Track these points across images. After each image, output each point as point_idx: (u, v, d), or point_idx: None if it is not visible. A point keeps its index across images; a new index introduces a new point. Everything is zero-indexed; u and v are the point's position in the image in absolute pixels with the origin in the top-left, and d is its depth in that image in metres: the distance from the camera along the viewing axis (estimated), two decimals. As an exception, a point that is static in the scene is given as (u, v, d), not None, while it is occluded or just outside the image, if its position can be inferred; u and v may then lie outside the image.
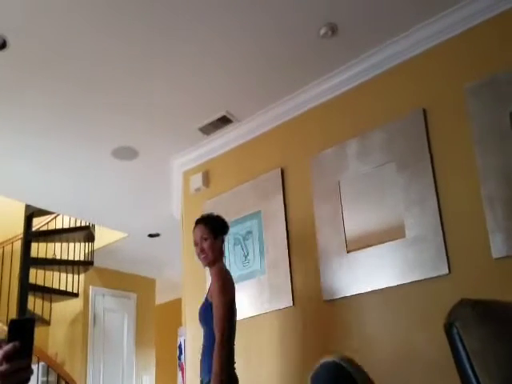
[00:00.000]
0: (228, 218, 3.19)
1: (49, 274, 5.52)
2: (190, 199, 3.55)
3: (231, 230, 3.16)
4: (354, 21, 2.46)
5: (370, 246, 2.50)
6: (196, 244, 2.46)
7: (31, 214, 5.22)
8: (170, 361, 6.38)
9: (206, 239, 2.43)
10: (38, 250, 5.43)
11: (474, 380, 1.14)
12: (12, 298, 5.03)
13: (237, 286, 3.01)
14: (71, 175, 3.75)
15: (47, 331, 5.63)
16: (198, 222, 2.52)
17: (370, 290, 2.45)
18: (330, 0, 2.32)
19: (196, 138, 3.40)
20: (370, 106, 2.71)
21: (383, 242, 2.46)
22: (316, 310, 2.66)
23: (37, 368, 4.72)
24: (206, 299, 2.42)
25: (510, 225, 2.09)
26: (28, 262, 5.11)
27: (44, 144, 3.34)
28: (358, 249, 2.54)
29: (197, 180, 3.49)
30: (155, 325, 6.31)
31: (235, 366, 2.33)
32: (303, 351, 2.67)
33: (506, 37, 2.30)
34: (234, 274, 3.07)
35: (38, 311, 5.30)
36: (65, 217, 5.38)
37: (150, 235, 5.03)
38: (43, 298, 5.41)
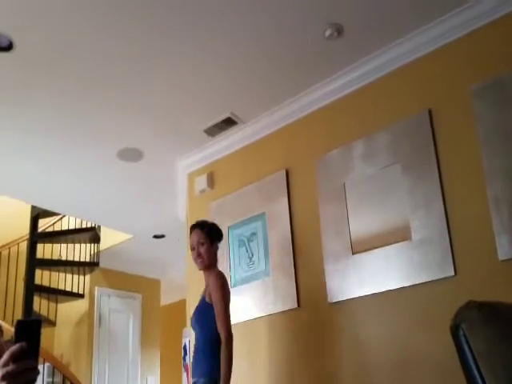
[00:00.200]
0: (233, 220, 3.21)
1: (54, 274, 5.55)
2: (195, 201, 3.56)
3: (236, 232, 3.18)
4: (359, 22, 2.46)
5: (376, 247, 2.49)
6: (193, 248, 2.52)
7: (37, 215, 5.25)
8: (174, 361, 6.40)
9: (202, 244, 2.49)
10: (44, 251, 5.46)
11: (480, 381, 1.14)
12: (18, 299, 5.06)
13: (241, 288, 3.04)
14: (77, 176, 3.77)
15: (53, 332, 5.65)
16: (194, 226, 2.58)
17: (375, 292, 2.45)
18: (335, 1, 2.32)
19: (201, 140, 3.41)
20: (375, 108, 2.71)
21: (389, 244, 2.45)
22: (321, 312, 2.65)
23: (42, 369, 4.74)
24: (203, 300, 2.45)
25: (516, 227, 2.08)
26: (34, 262, 5.14)
27: (50, 145, 3.36)
28: (364, 251, 2.54)
29: (202, 181, 3.49)
30: (160, 326, 6.32)
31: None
32: (308, 353, 2.66)
33: (510, 39, 2.29)
34: (239, 276, 3.09)
35: (43, 312, 5.33)
36: (70, 218, 5.41)
37: (155, 236, 5.05)
38: (49, 299, 5.43)
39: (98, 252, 5.55)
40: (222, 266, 3.14)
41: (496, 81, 2.27)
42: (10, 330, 3.58)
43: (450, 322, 1.25)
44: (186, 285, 3.55)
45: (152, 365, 6.10)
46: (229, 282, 3.05)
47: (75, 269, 5.53)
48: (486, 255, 2.15)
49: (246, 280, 3.04)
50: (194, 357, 2.42)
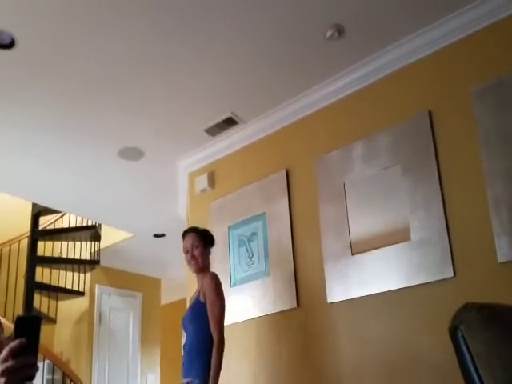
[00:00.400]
0: (233, 220, 3.21)
1: (55, 272, 5.55)
2: (196, 200, 3.57)
3: (236, 231, 3.19)
4: (360, 23, 2.46)
5: (375, 248, 2.50)
6: (187, 251, 2.57)
7: (38, 212, 5.26)
8: (174, 360, 6.40)
9: (197, 247, 2.56)
10: (45, 248, 5.46)
11: (478, 383, 1.14)
12: (18, 296, 5.07)
13: (241, 287, 3.04)
14: (78, 174, 3.78)
15: (53, 329, 5.66)
16: (188, 231, 2.67)
17: (374, 292, 2.45)
18: (336, 2, 2.32)
19: (202, 140, 3.41)
20: (375, 109, 2.71)
21: (388, 245, 2.45)
22: (320, 312, 2.66)
23: (42, 366, 4.75)
24: (198, 301, 2.47)
25: (516, 229, 2.08)
26: (34, 260, 5.14)
27: (51, 143, 3.37)
28: (363, 251, 2.54)
29: (202, 181, 3.50)
30: (160, 324, 6.33)
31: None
32: (307, 353, 2.67)
33: (510, 41, 2.30)
34: (239, 276, 3.09)
35: (44, 309, 5.34)
36: (71, 216, 5.42)
37: (156, 235, 5.06)
38: (49, 297, 5.44)
39: (99, 250, 5.55)
40: (222, 265, 3.16)
41: (496, 83, 2.27)
42: (10, 327, 3.59)
43: (448, 323, 1.25)
44: (186, 284, 3.56)
45: (152, 363, 6.11)
46: (229, 282, 3.08)
47: (76, 267, 5.53)
48: (486, 257, 2.15)
49: (245, 280, 3.04)
50: (187, 356, 2.43)
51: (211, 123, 3.23)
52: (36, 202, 4.58)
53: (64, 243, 5.66)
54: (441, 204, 2.33)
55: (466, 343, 1.19)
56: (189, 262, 2.57)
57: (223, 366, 2.62)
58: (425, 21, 2.48)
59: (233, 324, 2.95)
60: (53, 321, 5.52)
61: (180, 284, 5.48)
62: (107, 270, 5.82)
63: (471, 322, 1.19)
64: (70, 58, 2.61)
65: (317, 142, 2.93)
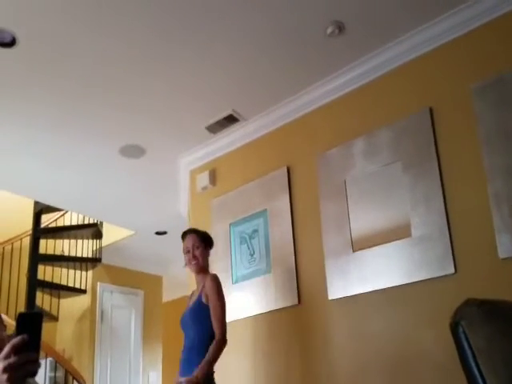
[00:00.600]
0: (234, 217, 3.22)
1: (57, 270, 5.56)
2: (197, 197, 3.57)
3: (238, 229, 3.19)
4: (360, 19, 2.46)
5: (376, 245, 2.50)
6: (187, 251, 2.59)
7: (40, 210, 5.27)
8: (176, 358, 6.41)
9: (198, 247, 2.59)
10: (47, 246, 5.47)
11: (479, 379, 1.15)
12: (20, 294, 5.08)
13: (242, 284, 3.05)
14: (79, 172, 3.78)
15: (55, 327, 5.68)
16: (188, 232, 2.69)
17: (375, 289, 2.45)
18: (337, -1, 2.32)
19: (203, 137, 3.41)
20: (376, 106, 2.71)
21: (389, 242, 2.45)
22: (321, 309, 2.66)
23: (44, 363, 4.76)
24: (199, 301, 2.48)
25: (516, 225, 2.08)
26: (36, 258, 5.16)
27: (52, 141, 3.37)
28: (364, 248, 2.54)
29: (203, 178, 3.50)
30: (162, 322, 6.34)
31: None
32: (308, 349, 2.67)
33: (511, 37, 2.29)
34: (240, 273, 3.10)
35: (46, 307, 5.35)
36: (73, 214, 5.42)
37: (158, 233, 5.07)
38: (51, 294, 5.46)
39: (101, 248, 5.56)
40: (223, 262, 3.16)
41: (497, 79, 2.27)
42: (12, 324, 3.61)
43: (449, 319, 1.25)
44: (187, 282, 3.57)
45: (154, 360, 6.12)
46: (230, 279, 3.09)
47: (78, 264, 5.54)
48: (487, 253, 2.15)
49: (247, 277, 3.05)
50: (186, 355, 2.45)
51: (212, 120, 3.23)
52: (38, 200, 4.59)
53: (66, 241, 5.67)
54: (442, 200, 2.33)
55: (467, 339, 1.19)
56: (189, 262, 2.58)
57: (224, 363, 2.64)
58: (425, 17, 2.47)
59: (234, 321, 2.96)
60: (55, 318, 5.53)
61: (181, 282, 5.48)
62: (109, 267, 5.83)
63: (472, 318, 1.19)
64: (71, 57, 2.61)
65: (318, 139, 2.93)
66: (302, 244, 2.85)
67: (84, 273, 5.61)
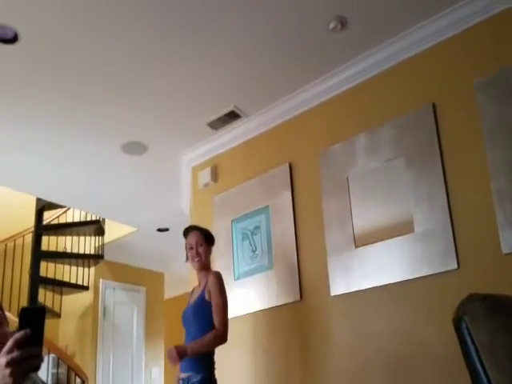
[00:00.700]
0: (236, 213, 3.22)
1: (59, 267, 5.57)
2: (199, 194, 3.57)
3: (239, 225, 3.19)
4: (363, 15, 2.45)
5: (379, 241, 2.49)
6: (191, 248, 2.59)
7: (42, 207, 5.28)
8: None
9: (201, 244, 2.59)
10: (49, 243, 5.48)
11: (482, 374, 1.14)
12: (23, 291, 5.09)
13: (244, 281, 3.05)
14: (81, 169, 3.79)
15: (57, 324, 5.69)
16: (192, 228, 2.69)
17: (378, 285, 2.45)
18: (339, -6, 2.31)
19: (205, 133, 3.41)
20: (379, 102, 2.70)
21: (392, 238, 2.45)
22: (323, 305, 2.66)
23: (47, 360, 4.78)
24: (202, 298, 2.48)
25: (519, 220, 2.08)
26: (39, 255, 5.16)
27: (54, 138, 3.37)
28: (367, 244, 2.54)
29: (205, 175, 3.50)
30: (164, 318, 6.35)
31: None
32: (310, 345, 2.67)
33: (515, 32, 2.28)
34: (242, 269, 3.10)
35: (48, 304, 5.36)
36: (75, 211, 5.43)
37: (159, 230, 5.07)
38: (54, 291, 5.47)
39: (103, 245, 5.57)
40: (225, 259, 3.16)
41: (499, 74, 2.26)
42: (15, 321, 3.61)
43: (452, 315, 1.25)
44: (189, 279, 3.57)
45: (156, 357, 6.14)
46: (232, 275, 3.09)
47: (80, 261, 5.55)
48: (490, 249, 2.15)
49: (249, 273, 3.05)
50: None
51: (214, 117, 3.23)
52: (40, 196, 4.60)
53: (68, 238, 5.68)
54: (444, 196, 2.32)
55: (469, 334, 1.18)
56: (192, 259, 2.58)
57: (225, 359, 2.66)
58: (427, 13, 2.46)
59: (236, 317, 2.96)
60: (57, 315, 5.55)
61: (183, 278, 5.48)
62: (111, 264, 5.84)
63: (475, 313, 1.19)
64: (72, 55, 2.61)
65: (320, 135, 2.93)
66: (304, 240, 2.84)
67: (86, 269, 5.62)
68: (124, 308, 5.93)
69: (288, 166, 3.02)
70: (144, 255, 5.86)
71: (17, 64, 2.66)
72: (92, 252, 5.60)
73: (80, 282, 5.54)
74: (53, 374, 4.95)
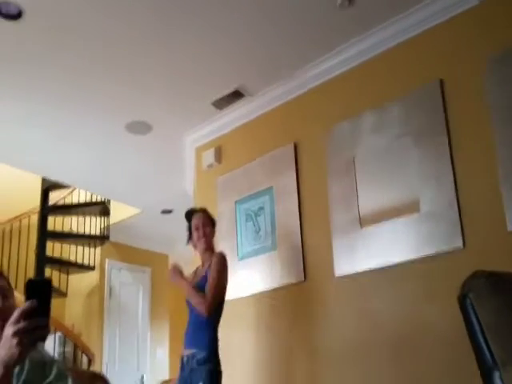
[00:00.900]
0: (240, 194, 3.20)
1: (65, 247, 5.61)
2: (203, 175, 3.56)
3: (243, 206, 3.18)
4: (371, -10, 2.40)
5: (384, 220, 2.47)
6: (196, 228, 2.60)
7: (48, 187, 5.29)
8: (183, 335, 6.50)
9: (207, 225, 2.62)
10: (55, 223, 5.51)
11: (487, 351, 1.14)
12: (29, 271, 5.13)
13: (248, 261, 3.05)
14: (86, 149, 3.78)
15: (64, 303, 5.75)
16: (196, 210, 2.71)
17: (383, 265, 2.44)
18: (347, -32, 2.26)
19: (209, 113, 3.38)
20: (386, 79, 2.66)
21: (398, 217, 2.43)
22: (328, 285, 2.66)
23: (54, 338, 4.85)
24: (207, 279, 2.48)
25: (527, 200, 2.05)
26: (45, 235, 5.20)
27: (59, 116, 3.35)
28: (372, 224, 2.52)
29: (209, 156, 3.48)
30: (170, 300, 6.40)
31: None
32: (313, 325, 2.68)
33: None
34: (246, 250, 3.10)
35: (54, 283, 5.41)
36: (81, 192, 5.44)
37: (164, 211, 5.07)
38: (60, 271, 5.51)
39: (108, 226, 5.60)
40: (229, 240, 3.16)
41: (508, 52, 2.21)
42: (21, 299, 3.65)
43: (457, 293, 1.24)
44: (193, 260, 3.59)
45: (161, 337, 6.21)
46: (236, 256, 3.09)
47: (86, 241, 5.59)
48: (495, 227, 2.13)
49: (252, 254, 3.05)
50: (191, 329, 2.48)
51: (218, 96, 3.19)
52: (44, 176, 4.60)
53: (74, 219, 5.71)
54: (451, 175, 2.30)
55: (474, 311, 1.18)
56: (198, 239, 2.59)
57: (229, 339, 2.68)
58: (438, -12, 2.40)
59: (240, 298, 2.97)
60: (64, 294, 5.60)
61: (187, 260, 5.52)
62: (117, 245, 5.87)
63: (480, 290, 1.18)
64: (76, 32, 2.60)
65: (325, 114, 2.89)
66: (308, 221, 2.83)
67: (92, 250, 5.66)
68: (130, 288, 5.98)
69: (293, 146, 2.99)
70: (148, 237, 5.88)
71: (20, 40, 2.64)
72: (97, 233, 5.63)
73: (86, 262, 5.58)
74: (59, 353, 5.01)
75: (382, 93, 2.64)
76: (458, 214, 2.25)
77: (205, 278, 2.50)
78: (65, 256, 5.52)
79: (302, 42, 2.74)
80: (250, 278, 3.00)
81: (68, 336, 5.04)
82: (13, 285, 1.34)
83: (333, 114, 2.84)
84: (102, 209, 5.47)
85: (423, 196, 2.37)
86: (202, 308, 2.37)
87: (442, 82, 2.42)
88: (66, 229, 5.68)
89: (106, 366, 5.40)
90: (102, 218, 5.62)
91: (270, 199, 3.04)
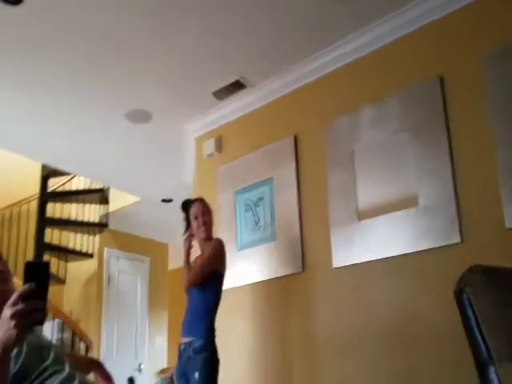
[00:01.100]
0: (240, 184, 3.20)
1: (64, 234, 5.62)
2: (203, 165, 3.55)
3: (243, 196, 3.18)
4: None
5: (382, 214, 2.48)
6: (196, 217, 2.61)
7: (47, 174, 5.29)
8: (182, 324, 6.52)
9: (206, 214, 2.62)
10: (54, 210, 5.52)
11: (482, 345, 1.15)
12: (28, 257, 5.14)
13: (247, 251, 3.06)
14: (86, 136, 3.77)
15: (62, 290, 5.78)
16: (194, 200, 2.72)
17: (380, 257, 2.45)
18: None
19: (209, 103, 3.36)
20: (386, 73, 2.65)
21: (395, 211, 2.43)
22: (325, 277, 2.67)
23: (52, 325, 4.87)
24: None
25: (525, 196, 2.05)
26: (44, 221, 5.20)
27: (58, 103, 3.33)
28: (370, 217, 2.53)
29: (209, 146, 3.47)
30: (168, 289, 6.42)
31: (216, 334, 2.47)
32: (310, 315, 2.70)
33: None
34: (245, 240, 3.10)
35: (53, 270, 5.42)
36: (80, 179, 5.44)
37: (163, 200, 5.07)
38: (59, 258, 5.53)
39: (107, 213, 5.60)
40: (228, 230, 3.17)
41: (508, 48, 2.20)
42: (19, 285, 3.66)
43: (453, 287, 1.24)
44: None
45: (159, 325, 6.24)
46: (235, 246, 3.10)
47: (85, 229, 5.59)
48: (494, 223, 2.13)
49: (251, 244, 3.05)
50: (190, 316, 2.49)
51: (219, 86, 3.18)
52: (45, 162, 4.59)
53: (73, 206, 5.71)
54: (449, 170, 2.30)
55: (471, 305, 1.18)
56: (198, 228, 2.59)
57: (226, 327, 2.71)
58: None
59: (238, 287, 2.99)
60: (62, 281, 5.62)
61: (187, 249, 5.52)
62: (116, 233, 5.88)
63: (476, 284, 1.18)
64: (76, 19, 2.57)
65: (326, 107, 2.88)
66: (307, 212, 2.84)
67: (91, 237, 5.67)
68: (128, 277, 6.00)
69: (293, 138, 2.99)
70: (148, 225, 5.89)
71: (20, 25, 2.62)
72: (96, 220, 5.63)
73: (85, 250, 5.59)
74: (57, 339, 5.04)
75: (381, 88, 2.63)
76: (456, 208, 2.25)
77: None
78: (64, 243, 5.53)
79: (302, 35, 2.73)
80: (248, 269, 3.01)
81: (66, 323, 5.06)
82: (12, 270, 1.35)
83: (332, 108, 2.84)
84: (101, 196, 5.47)
85: (421, 190, 2.37)
86: (184, 279, 2.45)
87: (441, 78, 2.41)
88: (66, 216, 5.68)
89: (103, 353, 5.44)
90: (101, 206, 5.62)
91: (269, 190, 3.04)
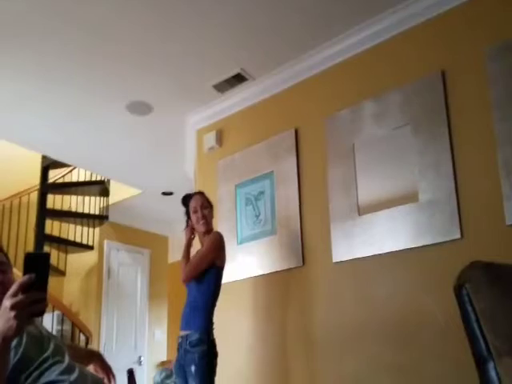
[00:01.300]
0: (240, 178, 3.20)
1: (64, 225, 5.62)
2: (204, 158, 3.54)
3: (244, 190, 3.17)
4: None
5: (383, 209, 2.48)
6: (195, 211, 2.60)
7: (47, 165, 5.28)
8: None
9: (206, 207, 2.61)
10: (54, 201, 5.52)
11: (482, 341, 1.15)
12: (28, 248, 5.15)
13: (247, 245, 3.06)
14: (86, 128, 3.76)
15: (62, 282, 5.79)
16: (194, 193, 2.72)
17: (380, 252, 2.45)
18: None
19: (210, 96, 3.35)
20: (387, 68, 2.64)
21: (396, 206, 2.43)
22: (325, 271, 2.68)
23: (52, 316, 4.88)
24: None
25: (526, 192, 2.05)
26: (44, 213, 5.20)
27: (59, 94, 3.32)
28: (370, 211, 2.52)
29: (210, 139, 3.46)
30: (168, 282, 6.43)
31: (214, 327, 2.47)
32: (310, 310, 2.70)
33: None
34: (245, 234, 3.10)
35: (53, 262, 5.44)
36: (81, 171, 5.44)
37: (164, 193, 5.07)
38: (59, 249, 5.53)
39: (107, 206, 5.59)
40: (228, 223, 3.17)
41: (510, 43, 2.18)
42: (20, 276, 3.67)
43: (453, 283, 1.24)
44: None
45: (159, 318, 6.25)
46: (235, 240, 3.10)
47: (85, 221, 5.59)
48: (494, 219, 2.13)
49: (252, 238, 3.05)
50: (188, 310, 2.49)
51: (220, 79, 3.16)
52: (45, 153, 4.58)
53: (73, 198, 5.70)
54: (450, 165, 2.30)
55: (470, 301, 1.18)
56: (198, 221, 2.58)
57: (225, 321, 2.71)
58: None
59: (238, 281, 2.99)
60: (62, 273, 5.63)
61: (187, 242, 5.52)
62: (116, 225, 5.88)
63: (476, 280, 1.18)
64: (76, 11, 2.56)
65: (327, 101, 2.87)
66: (307, 206, 2.83)
67: (91, 229, 5.67)
68: (128, 269, 6.01)
69: (294, 132, 2.98)
70: (148, 218, 5.89)
71: (21, 14, 2.60)
72: (97, 212, 5.63)
73: (85, 242, 5.59)
74: (57, 331, 5.06)
75: (382, 82, 2.62)
76: (456, 204, 2.25)
77: None
78: (64, 235, 5.53)
79: (304, 28, 2.72)
80: (248, 263, 3.02)
81: (66, 314, 5.08)
82: (12, 262, 1.35)
83: (333, 101, 2.82)
84: (102, 188, 5.47)
85: (422, 186, 2.36)
86: (182, 272, 2.47)
87: (443, 73, 2.40)
88: (66, 207, 5.68)
89: (103, 346, 5.45)
90: (102, 198, 5.62)
91: (270, 184, 3.04)
